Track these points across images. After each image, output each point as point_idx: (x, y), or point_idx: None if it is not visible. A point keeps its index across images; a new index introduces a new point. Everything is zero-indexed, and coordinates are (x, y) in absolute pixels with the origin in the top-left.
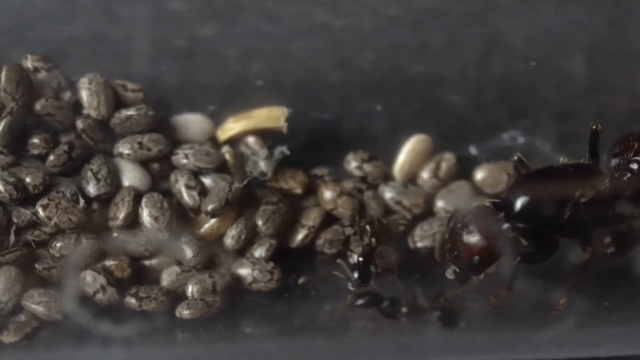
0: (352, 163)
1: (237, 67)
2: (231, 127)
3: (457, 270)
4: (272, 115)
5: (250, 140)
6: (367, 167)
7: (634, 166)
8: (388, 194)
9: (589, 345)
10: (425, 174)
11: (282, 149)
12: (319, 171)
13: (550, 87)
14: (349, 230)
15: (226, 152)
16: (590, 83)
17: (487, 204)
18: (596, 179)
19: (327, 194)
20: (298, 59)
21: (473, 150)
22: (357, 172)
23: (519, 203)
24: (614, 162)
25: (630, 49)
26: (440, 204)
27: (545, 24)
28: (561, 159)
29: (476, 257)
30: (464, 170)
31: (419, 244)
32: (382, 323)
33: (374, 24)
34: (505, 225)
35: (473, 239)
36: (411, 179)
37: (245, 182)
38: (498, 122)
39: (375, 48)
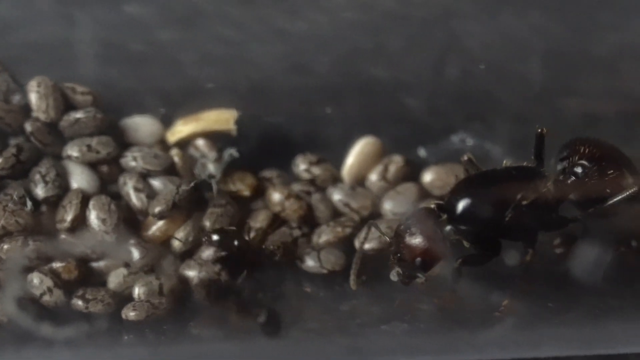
0: (301, 166)
1: (192, 70)
2: (180, 129)
3: (401, 271)
4: (222, 118)
5: (200, 142)
6: (316, 170)
7: (579, 170)
8: (336, 196)
9: (532, 346)
10: (373, 177)
11: (231, 152)
12: (267, 173)
13: (507, 91)
14: (296, 232)
15: (175, 154)
16: (547, 87)
17: (432, 205)
18: (539, 182)
19: (275, 196)
20: (254, 63)
21: (422, 152)
22: (306, 175)
23: (461, 205)
24: (560, 165)
25: (588, 53)
26: (387, 206)
27: (504, 29)
28: (504, 162)
29: (418, 259)
30: (414, 172)
31: (366, 246)
32: (331, 325)
33: (332, 29)
34: (448, 228)
35: (415, 240)
36: (360, 181)
37: (193, 184)
38: (450, 126)
39: (333, 52)
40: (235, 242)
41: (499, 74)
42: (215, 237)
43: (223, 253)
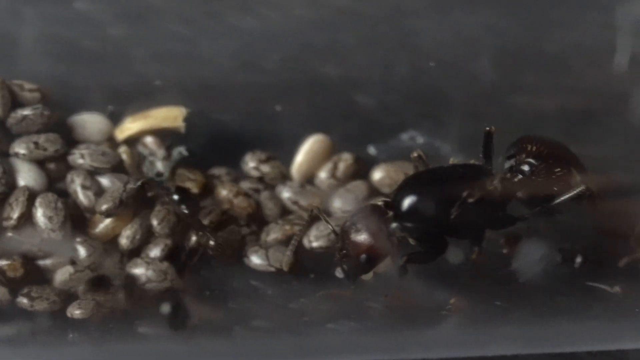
0: (250, 163)
1: (142, 67)
2: (129, 127)
3: (346, 268)
4: (170, 115)
5: (148, 140)
6: (265, 168)
7: (525, 168)
8: (285, 194)
9: (479, 345)
10: (322, 174)
11: (180, 150)
12: (216, 171)
13: (458, 89)
14: (245, 230)
15: (123, 152)
16: (498, 85)
17: (380, 203)
18: (486, 180)
19: (224, 194)
20: (205, 59)
21: (372, 150)
22: (255, 173)
23: (406, 202)
24: (508, 164)
25: (539, 50)
26: (337, 204)
27: (456, 27)
28: (451, 160)
29: (363, 256)
30: (363, 170)
31: (314, 244)
32: (279, 323)
33: (283, 25)
34: (394, 225)
35: (360, 237)
36: (309, 179)
37: (140, 182)
38: (401, 123)
39: (284, 49)
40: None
41: (450, 72)
42: (175, 197)
43: (185, 210)
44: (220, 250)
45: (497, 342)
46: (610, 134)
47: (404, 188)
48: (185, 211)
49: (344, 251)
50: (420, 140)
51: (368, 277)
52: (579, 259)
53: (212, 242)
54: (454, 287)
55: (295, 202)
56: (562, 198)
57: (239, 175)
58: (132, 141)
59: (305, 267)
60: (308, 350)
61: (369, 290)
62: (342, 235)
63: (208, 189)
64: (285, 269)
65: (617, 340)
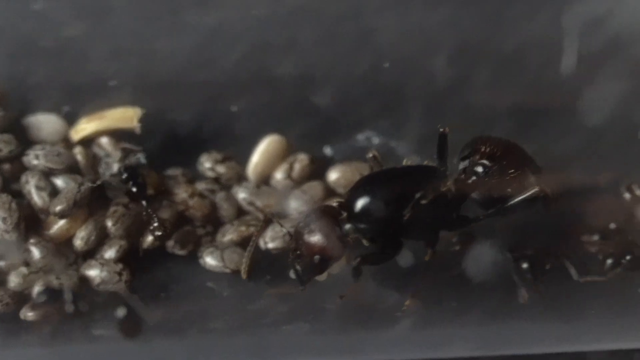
0: (206, 164)
1: (99, 67)
2: (84, 127)
3: (300, 269)
4: (126, 116)
5: (104, 141)
6: (221, 168)
7: (479, 169)
8: (241, 194)
9: (434, 347)
10: (278, 175)
11: (138, 157)
12: (172, 172)
13: (416, 88)
14: (200, 231)
15: (78, 152)
16: (456, 83)
17: (334, 203)
18: (439, 181)
19: (179, 194)
20: (161, 58)
21: (328, 151)
22: (211, 173)
23: (358, 203)
24: (462, 164)
25: (499, 47)
26: (293, 204)
27: (414, 24)
28: (405, 161)
29: (316, 257)
30: (319, 171)
31: (270, 245)
32: (235, 324)
33: (241, 24)
34: (347, 226)
35: (313, 238)
36: (265, 179)
37: (96, 183)
38: (358, 124)
39: (241, 48)
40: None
41: (408, 71)
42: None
43: (132, 188)
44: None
45: (453, 344)
46: (565, 132)
47: (357, 189)
48: (143, 201)
49: (298, 252)
50: (376, 140)
51: (322, 278)
52: (526, 261)
53: (160, 229)
54: (409, 289)
55: (251, 203)
56: (516, 199)
57: (194, 175)
58: (88, 142)
59: (261, 268)
60: (263, 351)
61: (325, 292)
62: (295, 236)
63: (163, 190)
64: (244, 276)
65: (574, 341)
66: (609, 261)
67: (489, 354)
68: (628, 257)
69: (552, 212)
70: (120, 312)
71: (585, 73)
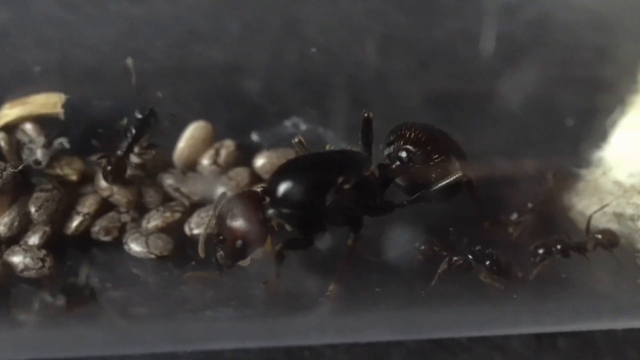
0: None
1: (23, 53)
2: (6, 113)
3: (223, 254)
4: (49, 102)
5: (27, 127)
6: (146, 155)
7: (403, 154)
8: (167, 181)
9: (356, 331)
10: (204, 161)
11: (62, 141)
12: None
13: (344, 76)
14: (125, 217)
15: (1, 138)
16: (383, 71)
17: (259, 189)
18: (361, 167)
19: (104, 181)
20: (87, 45)
21: (255, 137)
22: (136, 160)
23: (280, 189)
24: (387, 150)
25: (426, 37)
26: (219, 190)
27: (342, 12)
28: (327, 146)
29: (239, 242)
30: (246, 157)
31: (195, 231)
32: (159, 310)
33: (168, 11)
34: (270, 211)
35: (235, 223)
36: (192, 166)
37: (17, 168)
38: (285, 110)
39: (168, 35)
40: None
41: (336, 58)
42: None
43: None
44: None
45: (376, 328)
46: (493, 120)
47: (278, 174)
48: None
49: (221, 237)
50: (303, 127)
51: (245, 263)
52: (438, 249)
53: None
54: (334, 274)
55: (176, 189)
56: (440, 185)
57: None
58: (11, 128)
59: (187, 254)
60: (186, 337)
61: (250, 277)
62: (218, 221)
63: (88, 177)
64: (201, 254)
65: (498, 325)
66: (540, 251)
67: (413, 338)
68: (559, 246)
69: (477, 199)
70: (44, 298)
71: (512, 61)
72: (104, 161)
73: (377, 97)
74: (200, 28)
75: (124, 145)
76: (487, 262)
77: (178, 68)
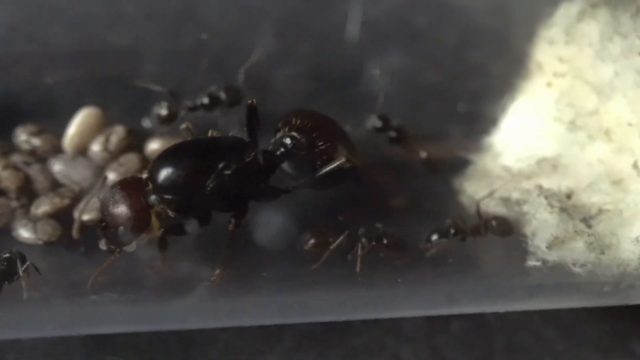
0: (21, 136)
1: None
2: None
3: (107, 240)
4: None
5: None
6: (36, 141)
7: (288, 141)
8: (57, 167)
9: (242, 314)
10: (95, 147)
11: None
12: None
13: (238, 60)
14: (14, 204)
15: None
16: (279, 55)
17: (144, 175)
18: (244, 152)
19: None
20: None
21: (147, 123)
22: (26, 146)
23: (161, 174)
24: (275, 137)
25: (324, 20)
26: (111, 176)
27: None
28: (210, 132)
29: (121, 228)
30: (138, 143)
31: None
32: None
33: None
34: (153, 197)
35: (117, 209)
36: (82, 152)
37: None
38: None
39: (64, 19)
40: None
41: (232, 43)
42: None
43: None
44: None
45: (264, 311)
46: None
47: (159, 160)
48: None
49: (104, 223)
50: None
51: (131, 249)
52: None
53: None
54: (219, 259)
55: (66, 176)
56: (323, 171)
57: (10, 148)
58: None
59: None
60: (75, 322)
61: (136, 262)
62: (101, 207)
63: None
64: (75, 236)
65: (389, 309)
66: (435, 235)
67: (303, 321)
68: (452, 231)
69: (364, 186)
70: None
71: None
72: None
73: (273, 82)
74: (94, 12)
75: None
76: (384, 241)
77: (71, 53)
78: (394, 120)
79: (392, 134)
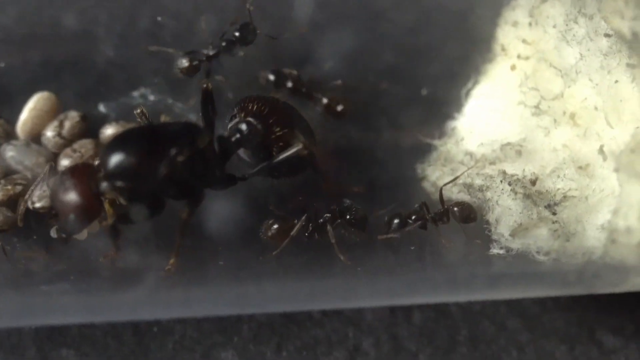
0: None
1: None
2: None
3: (59, 228)
4: None
5: None
6: None
7: (243, 127)
8: (9, 153)
9: (195, 304)
10: (49, 133)
11: None
12: None
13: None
14: None
15: None
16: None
17: (97, 162)
18: (197, 139)
19: None
20: None
21: (102, 108)
22: None
23: (111, 161)
24: (231, 123)
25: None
26: (64, 162)
27: None
28: (162, 117)
29: (72, 216)
30: (93, 128)
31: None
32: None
33: None
34: (104, 184)
35: (67, 197)
36: (36, 137)
37: None
38: (134, 80)
39: (20, 2)
40: None
41: (187, 27)
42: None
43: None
44: None
45: (220, 301)
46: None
47: (109, 146)
48: None
49: (54, 211)
50: (151, 97)
51: (82, 237)
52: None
53: None
54: (172, 248)
55: (19, 162)
56: (279, 158)
57: None
58: None
59: (30, 227)
60: (26, 312)
61: (89, 251)
62: (50, 195)
63: None
64: (19, 224)
65: (349, 298)
66: (395, 221)
67: (261, 311)
68: (413, 217)
69: (322, 173)
70: None
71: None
72: None
73: (231, 67)
74: None
75: None
76: (347, 216)
77: (24, 36)
78: (287, 70)
79: (289, 84)
